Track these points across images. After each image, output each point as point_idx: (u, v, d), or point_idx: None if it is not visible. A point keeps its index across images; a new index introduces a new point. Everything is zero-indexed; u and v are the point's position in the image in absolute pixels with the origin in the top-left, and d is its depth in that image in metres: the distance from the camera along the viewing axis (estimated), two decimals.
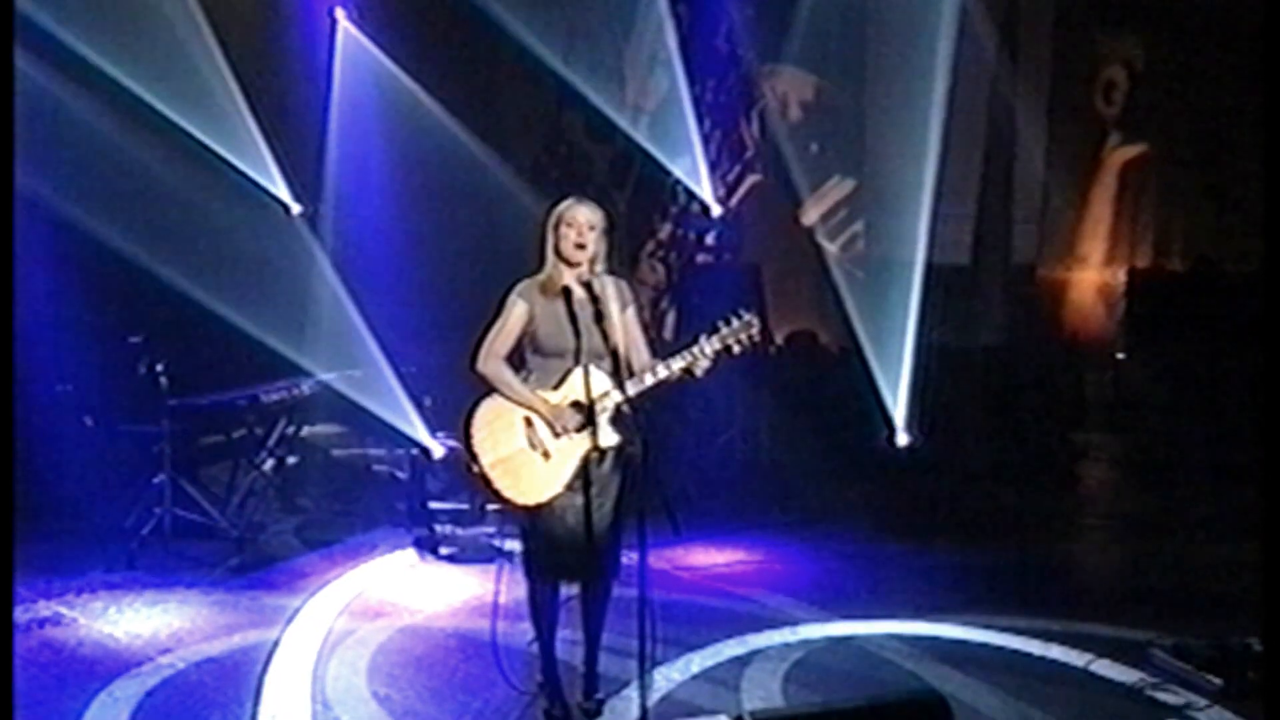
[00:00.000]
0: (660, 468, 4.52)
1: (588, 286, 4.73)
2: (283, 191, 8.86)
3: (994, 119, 10.64)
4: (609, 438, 4.67)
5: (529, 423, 4.69)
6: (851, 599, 6.40)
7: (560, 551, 4.75)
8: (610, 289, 4.79)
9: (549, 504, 4.69)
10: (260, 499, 7.52)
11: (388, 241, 9.37)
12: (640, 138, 10.54)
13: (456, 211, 9.94)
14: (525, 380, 4.76)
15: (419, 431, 7.62)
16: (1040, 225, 11.01)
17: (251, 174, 8.57)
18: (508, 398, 4.71)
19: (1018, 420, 8.82)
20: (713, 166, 10.51)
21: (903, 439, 8.14)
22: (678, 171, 10.35)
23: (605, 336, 4.68)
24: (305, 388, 7.57)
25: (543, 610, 4.93)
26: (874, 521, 7.84)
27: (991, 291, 10.83)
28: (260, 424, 7.45)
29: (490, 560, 6.96)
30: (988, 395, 8.97)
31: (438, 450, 7.56)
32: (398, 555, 7.18)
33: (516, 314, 4.76)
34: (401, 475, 7.99)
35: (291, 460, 7.87)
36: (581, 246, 4.69)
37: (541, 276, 4.78)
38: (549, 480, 4.67)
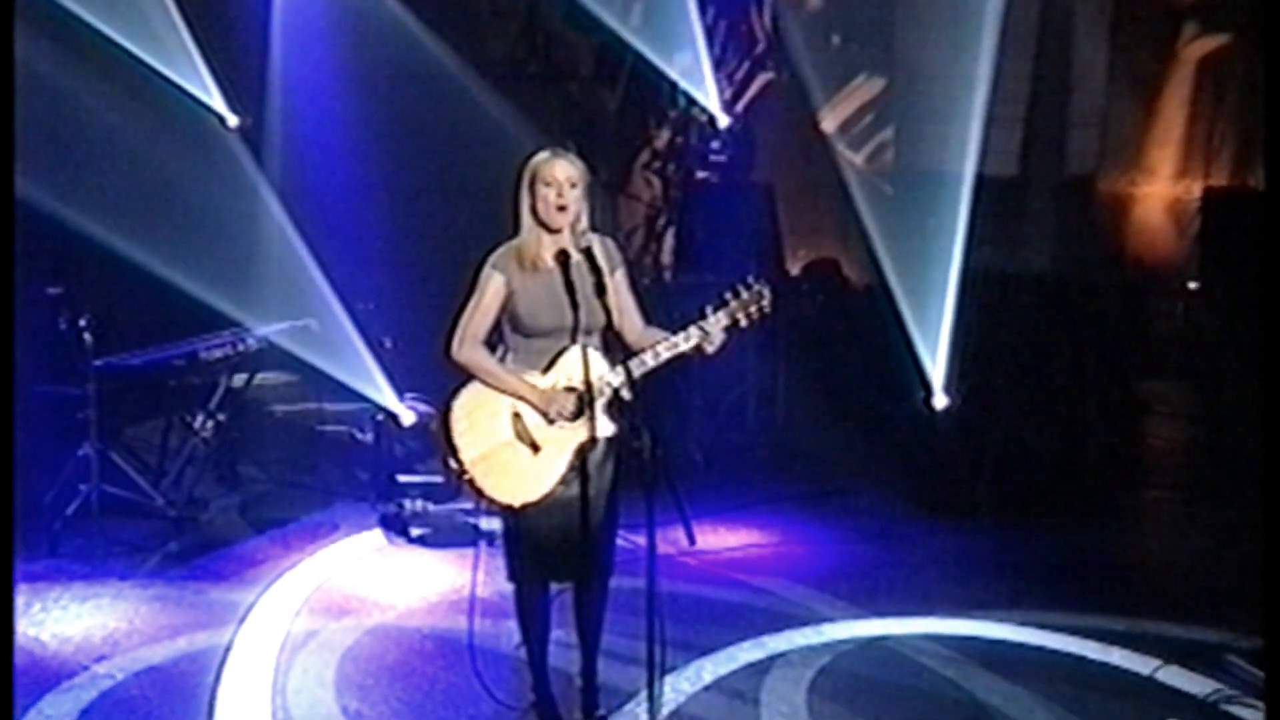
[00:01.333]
0: (672, 464, 4.59)
1: (587, 252, 4.77)
2: (217, 101, 8.82)
3: (1049, 3, 10.60)
4: (605, 426, 4.77)
5: (516, 413, 4.77)
6: (882, 590, 6.56)
7: (549, 552, 4.86)
8: (597, 250, 4.84)
9: (536, 500, 4.79)
10: (201, 470, 7.63)
11: (341, 159, 9.38)
12: (632, 28, 10.49)
13: (419, 118, 9.93)
14: (503, 363, 4.84)
15: (384, 393, 7.73)
16: (1101, 130, 10.99)
17: (180, 81, 8.54)
18: (492, 386, 4.79)
19: (1072, 367, 8.87)
20: (717, 64, 10.48)
21: (941, 400, 8.24)
22: (676, 69, 10.34)
23: (606, 310, 4.74)
24: (251, 341, 7.64)
25: (532, 616, 5.04)
26: (908, 496, 7.97)
27: (1042, 208, 10.87)
28: (200, 384, 7.54)
29: (471, 543, 7.09)
30: (1035, 336, 9.01)
31: (407, 416, 7.68)
32: (362, 537, 7.32)
33: (493, 289, 4.81)
34: (362, 436, 8.12)
35: (236, 424, 7.96)
36: (562, 208, 4.73)
37: (517, 242, 4.82)
38: (539, 477, 4.76)
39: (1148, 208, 11.27)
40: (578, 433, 4.75)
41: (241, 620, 6.14)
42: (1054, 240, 10.92)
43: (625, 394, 4.76)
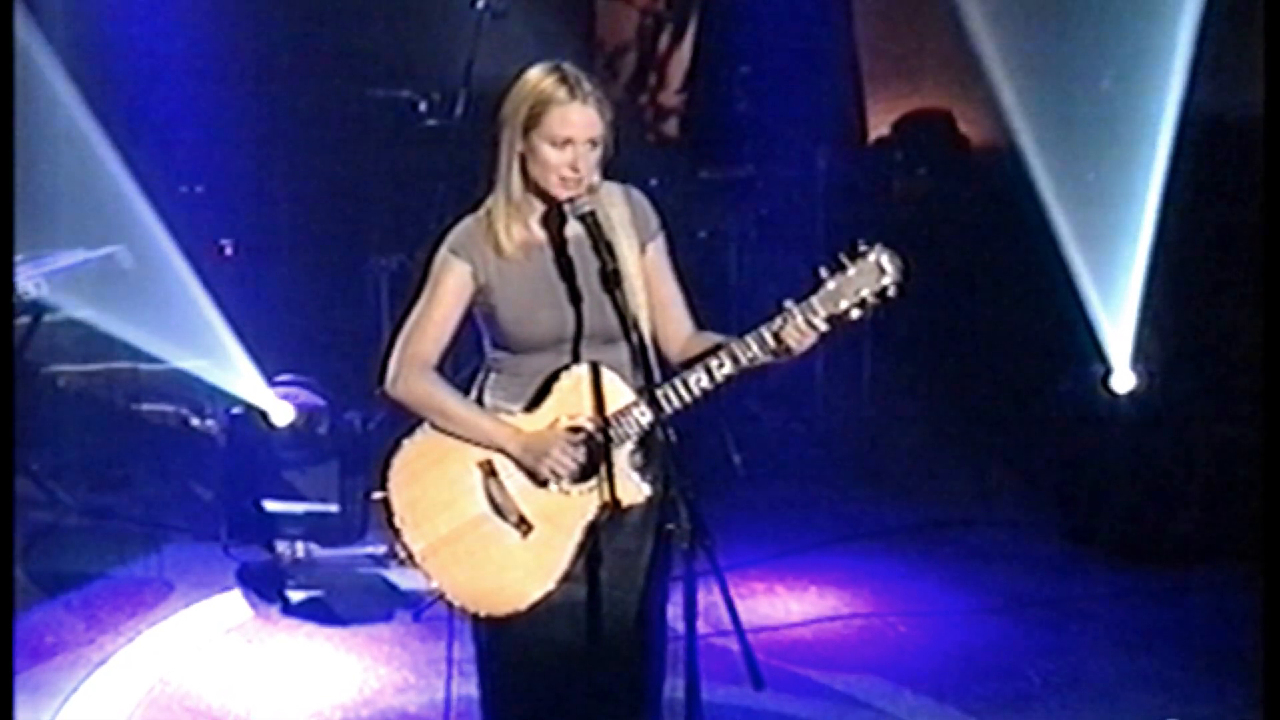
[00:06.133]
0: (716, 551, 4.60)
1: (590, 219, 4.78)
2: None
3: None
4: (635, 486, 4.80)
5: (489, 470, 4.81)
6: (1038, 698, 6.62)
7: (553, 686, 4.90)
8: (620, 213, 4.86)
9: (530, 608, 4.81)
10: None
11: None
12: None
13: None
14: (482, 395, 4.87)
15: (240, 372, 7.78)
16: None
17: None
18: (448, 432, 4.83)
19: None
20: None
21: (1127, 380, 8.18)
22: None
23: (620, 304, 4.76)
24: (27, 284, 7.61)
25: None
26: (1075, 533, 8.03)
27: None
28: None
29: (385, 615, 7.18)
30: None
31: (280, 411, 7.75)
32: (211, 605, 7.38)
33: (453, 286, 4.80)
34: (201, 423, 8.23)
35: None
36: (571, 179, 4.73)
37: (492, 211, 4.81)
38: (532, 571, 4.78)
39: None
40: (588, 500, 4.79)
41: None
42: None
43: (665, 434, 4.78)
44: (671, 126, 10.73)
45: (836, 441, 9.00)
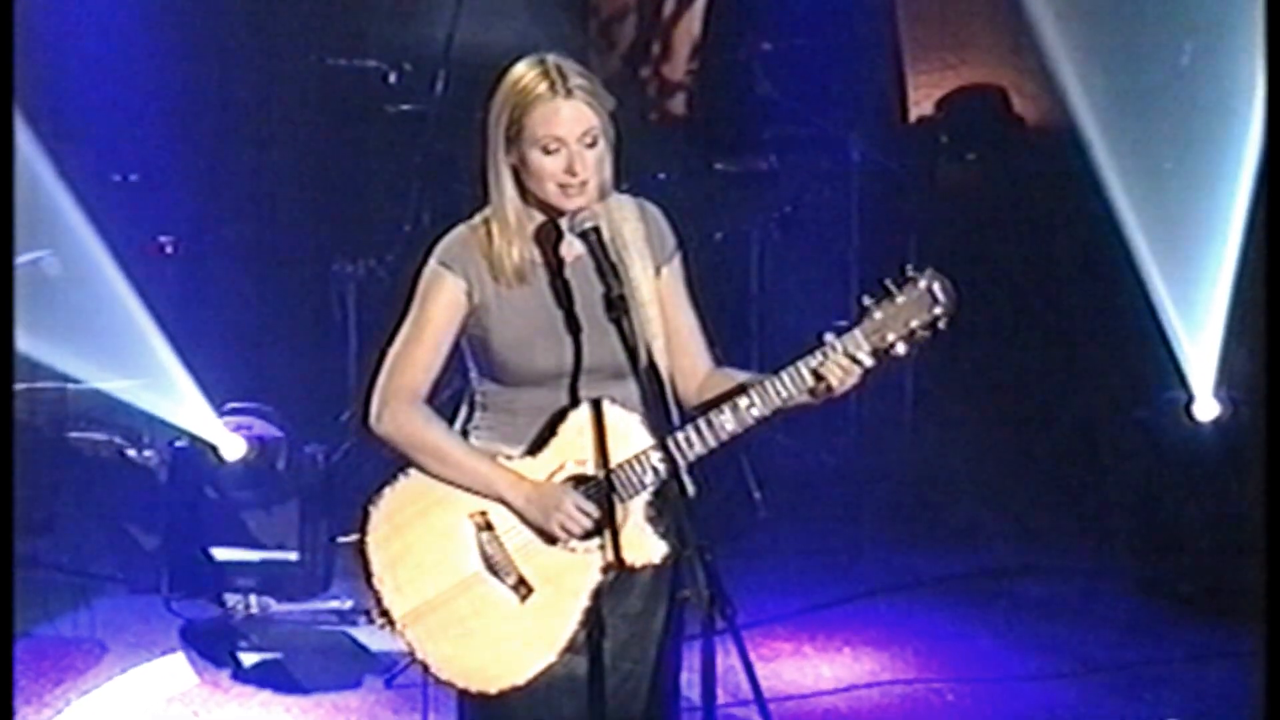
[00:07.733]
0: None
1: (594, 235, 4.78)
2: None
3: None
4: (651, 543, 4.81)
5: (484, 523, 4.81)
6: None
7: None
8: (632, 229, 4.86)
9: (528, 682, 4.79)
10: None
11: None
12: None
13: None
14: (467, 434, 4.87)
15: (183, 398, 7.78)
16: None
17: None
18: (439, 476, 4.83)
19: None
20: None
21: (1210, 408, 8.15)
22: None
23: (626, 335, 4.75)
24: None
25: None
26: (1148, 587, 8.03)
27: None
28: None
29: (353, 681, 7.14)
30: None
31: (230, 445, 7.75)
32: (153, 670, 7.36)
33: (444, 304, 4.78)
34: (140, 456, 8.21)
35: None
36: (572, 185, 4.72)
37: (490, 224, 4.80)
38: (531, 640, 4.78)
39: None
40: (597, 558, 4.77)
41: None
42: None
43: (682, 484, 4.74)
44: (679, 109, 10.67)
45: (874, 476, 8.97)
